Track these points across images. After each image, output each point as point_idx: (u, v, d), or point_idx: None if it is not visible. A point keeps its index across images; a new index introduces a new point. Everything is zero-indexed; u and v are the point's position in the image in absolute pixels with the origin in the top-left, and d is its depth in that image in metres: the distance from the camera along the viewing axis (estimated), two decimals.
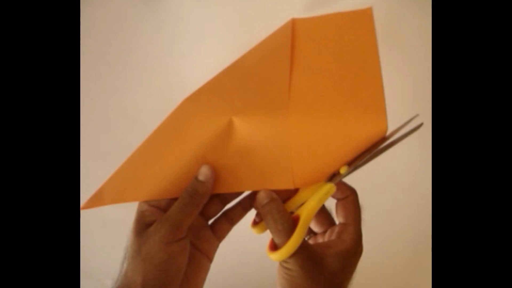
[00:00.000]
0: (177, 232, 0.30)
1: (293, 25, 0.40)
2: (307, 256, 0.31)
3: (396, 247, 0.55)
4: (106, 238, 0.62)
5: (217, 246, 0.36)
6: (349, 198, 0.35)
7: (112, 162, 0.35)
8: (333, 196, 0.35)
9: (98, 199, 0.34)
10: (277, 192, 0.33)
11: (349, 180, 0.37)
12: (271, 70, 0.37)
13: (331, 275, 0.31)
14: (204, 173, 0.32)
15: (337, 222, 0.36)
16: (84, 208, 0.34)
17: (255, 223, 0.35)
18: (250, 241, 0.39)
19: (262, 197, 0.32)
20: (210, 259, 0.36)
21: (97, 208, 0.35)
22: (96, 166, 0.41)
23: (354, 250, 0.32)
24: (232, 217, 0.36)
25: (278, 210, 0.31)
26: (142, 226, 0.31)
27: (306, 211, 0.31)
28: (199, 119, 0.34)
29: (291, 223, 0.31)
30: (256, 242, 0.38)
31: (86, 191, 0.36)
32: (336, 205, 0.35)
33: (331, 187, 0.33)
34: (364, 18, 0.38)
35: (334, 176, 0.33)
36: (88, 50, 0.46)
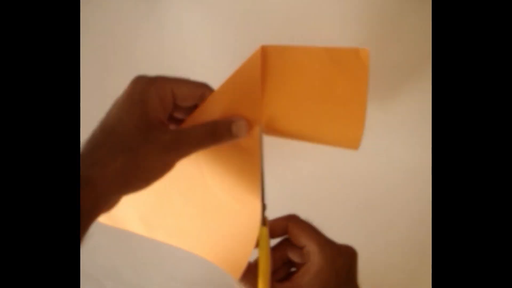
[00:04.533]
0: (185, 155, 0.30)
1: (264, 56, 0.32)
2: None
3: (396, 248, 0.55)
4: (106, 238, 0.62)
5: None
6: (294, 223, 0.35)
7: None
8: (290, 235, 0.35)
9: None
10: None
11: (351, 182, 0.37)
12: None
13: None
14: (241, 127, 0.31)
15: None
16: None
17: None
18: None
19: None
20: None
21: None
22: None
23: (327, 265, 0.32)
24: None
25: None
26: (148, 122, 0.30)
27: (260, 263, 0.34)
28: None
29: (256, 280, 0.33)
30: None
31: None
32: (290, 234, 0.35)
33: (264, 230, 0.34)
34: (357, 61, 0.32)
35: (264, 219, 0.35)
36: (88, 50, 0.46)
